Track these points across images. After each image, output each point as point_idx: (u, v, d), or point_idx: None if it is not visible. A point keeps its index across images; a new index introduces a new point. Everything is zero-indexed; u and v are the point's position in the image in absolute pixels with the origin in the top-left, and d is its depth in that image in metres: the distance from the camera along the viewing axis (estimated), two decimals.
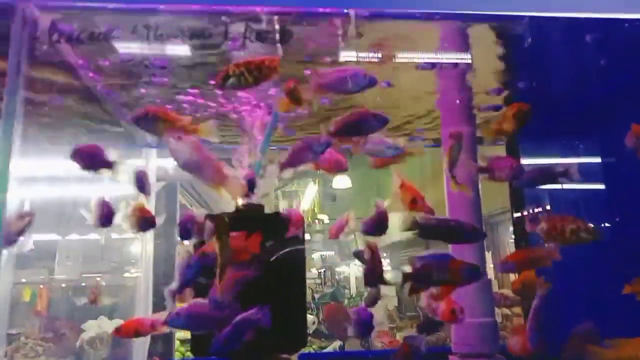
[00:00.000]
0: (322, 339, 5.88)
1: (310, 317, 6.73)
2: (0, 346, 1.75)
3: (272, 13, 1.85)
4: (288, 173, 1.95)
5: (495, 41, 2.45)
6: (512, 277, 2.76)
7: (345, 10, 1.93)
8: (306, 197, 9.10)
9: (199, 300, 1.77)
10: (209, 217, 2.02)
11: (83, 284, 8.50)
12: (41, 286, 8.06)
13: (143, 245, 3.24)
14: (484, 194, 3.11)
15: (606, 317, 2.47)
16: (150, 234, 3.29)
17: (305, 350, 4.50)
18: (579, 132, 3.09)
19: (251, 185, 2.00)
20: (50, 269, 8.02)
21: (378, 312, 5.40)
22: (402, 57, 2.59)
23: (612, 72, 2.66)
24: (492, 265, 6.09)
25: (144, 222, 2.11)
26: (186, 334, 4.04)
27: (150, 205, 3.33)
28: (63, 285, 8.17)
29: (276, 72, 1.72)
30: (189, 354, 4.39)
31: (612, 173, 3.06)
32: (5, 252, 1.66)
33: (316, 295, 9.56)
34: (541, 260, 2.05)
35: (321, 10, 1.88)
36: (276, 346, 2.07)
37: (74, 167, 1.93)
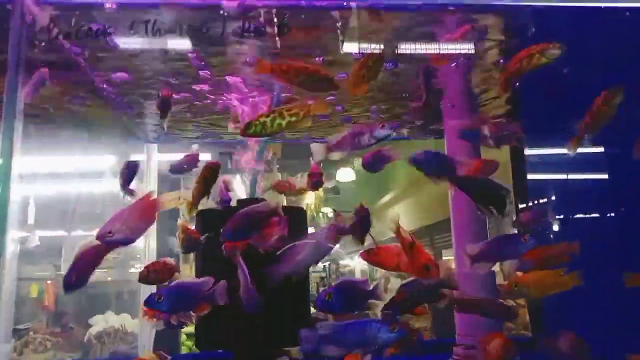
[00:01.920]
0: None
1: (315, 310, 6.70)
2: (7, 341, 1.75)
3: (271, 7, 1.84)
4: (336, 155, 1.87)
5: (500, 30, 2.44)
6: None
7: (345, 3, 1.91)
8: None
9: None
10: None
11: None
12: (48, 282, 8.12)
13: (146, 241, 3.25)
14: None
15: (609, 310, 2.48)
16: (153, 229, 3.30)
17: None
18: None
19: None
20: (57, 265, 8.07)
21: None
22: (405, 48, 2.58)
23: (616, 62, 2.64)
24: None
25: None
26: (192, 329, 4.06)
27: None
28: None
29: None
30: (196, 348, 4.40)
31: (615, 164, 3.04)
32: (9, 248, 1.67)
33: (321, 289, 9.55)
34: (559, 257, 2.01)
35: (319, 3, 1.86)
36: (278, 340, 2.08)
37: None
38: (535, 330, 3.22)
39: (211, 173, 1.97)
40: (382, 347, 1.57)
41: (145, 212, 1.71)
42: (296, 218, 2.20)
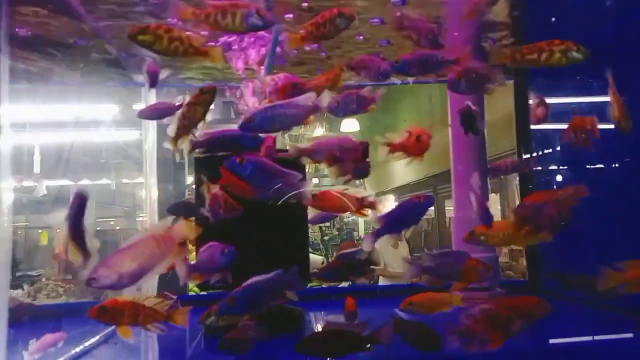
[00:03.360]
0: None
1: (319, 258, 6.87)
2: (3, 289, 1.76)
3: None
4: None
5: None
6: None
7: None
8: None
9: None
10: None
11: (98, 228, 8.76)
12: (58, 230, 8.31)
13: (147, 191, 3.27)
14: (491, 136, 3.07)
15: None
16: (154, 179, 3.31)
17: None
18: (590, 70, 2.97)
19: None
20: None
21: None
22: None
23: (626, 6, 2.53)
24: (499, 207, 6.12)
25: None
26: None
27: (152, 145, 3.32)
28: None
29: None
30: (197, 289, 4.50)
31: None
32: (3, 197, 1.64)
33: (325, 238, 9.77)
34: (565, 201, 1.97)
35: None
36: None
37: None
38: (532, 276, 3.29)
39: (204, 99, 1.71)
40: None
41: (154, 251, 1.49)
42: (293, 160, 2.19)
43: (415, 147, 1.93)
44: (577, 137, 2.04)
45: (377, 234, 1.75)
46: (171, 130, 1.75)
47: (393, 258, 5.67)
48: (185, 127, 1.72)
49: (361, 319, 1.97)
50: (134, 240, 1.50)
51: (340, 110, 1.83)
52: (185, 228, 1.58)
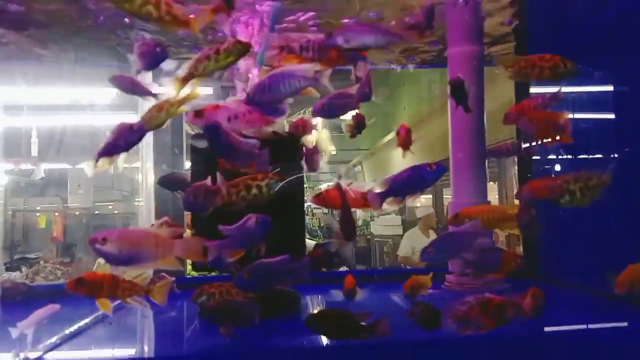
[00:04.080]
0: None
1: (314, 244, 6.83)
2: None
3: None
4: None
5: None
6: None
7: None
8: None
9: None
10: None
11: (96, 212, 8.75)
12: (56, 214, 8.31)
13: (143, 175, 3.25)
14: (490, 123, 3.05)
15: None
16: (150, 164, 3.29)
17: None
18: (591, 59, 2.94)
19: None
20: (63, 198, 8.21)
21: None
22: None
23: None
24: (497, 196, 6.12)
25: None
26: None
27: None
28: (77, 213, 8.41)
29: None
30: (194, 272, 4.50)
31: (624, 102, 2.95)
32: None
33: (324, 224, 9.79)
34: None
35: None
36: None
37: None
38: (528, 264, 3.30)
39: (238, 48, 1.57)
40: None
41: (150, 249, 1.47)
42: (290, 145, 2.18)
43: (397, 141, 2.01)
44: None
45: (382, 195, 1.72)
46: (183, 69, 1.62)
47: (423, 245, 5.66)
48: (203, 70, 1.59)
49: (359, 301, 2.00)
50: (144, 230, 1.55)
51: (328, 113, 1.81)
52: (191, 248, 1.58)
